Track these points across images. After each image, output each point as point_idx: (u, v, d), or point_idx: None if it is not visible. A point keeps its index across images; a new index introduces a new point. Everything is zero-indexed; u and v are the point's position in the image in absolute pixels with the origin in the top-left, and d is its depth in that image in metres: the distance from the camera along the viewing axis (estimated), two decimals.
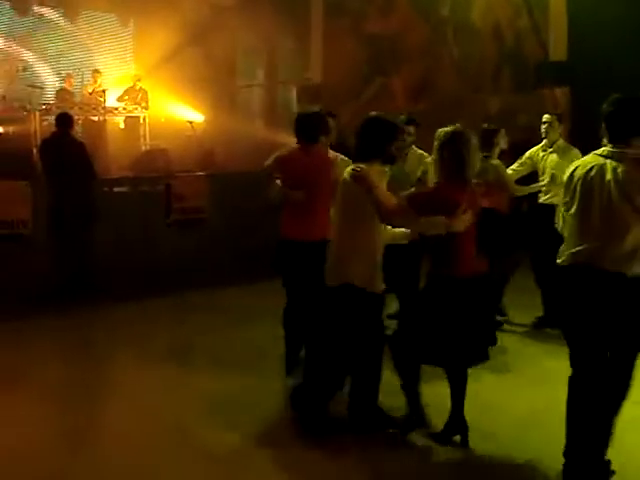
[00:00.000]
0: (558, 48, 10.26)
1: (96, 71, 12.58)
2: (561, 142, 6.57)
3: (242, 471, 4.11)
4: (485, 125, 6.46)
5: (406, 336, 4.24)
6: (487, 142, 6.02)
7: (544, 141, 6.60)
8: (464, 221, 4.03)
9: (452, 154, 4.09)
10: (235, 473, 4.10)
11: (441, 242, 4.08)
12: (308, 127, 5.14)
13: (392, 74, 12.38)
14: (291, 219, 5.16)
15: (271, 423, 4.67)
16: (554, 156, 6.49)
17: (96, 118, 11.71)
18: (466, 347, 4.10)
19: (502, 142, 6.36)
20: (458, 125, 4.21)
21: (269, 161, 5.27)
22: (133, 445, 4.42)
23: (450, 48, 11.91)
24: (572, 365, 3.71)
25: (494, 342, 4.24)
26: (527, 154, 6.69)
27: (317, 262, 4.90)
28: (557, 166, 6.31)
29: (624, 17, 8.71)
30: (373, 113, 4.35)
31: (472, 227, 4.13)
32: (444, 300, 4.08)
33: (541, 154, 6.59)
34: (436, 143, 4.19)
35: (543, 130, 6.58)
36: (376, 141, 4.23)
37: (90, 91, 12.23)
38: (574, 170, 3.73)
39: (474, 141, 4.16)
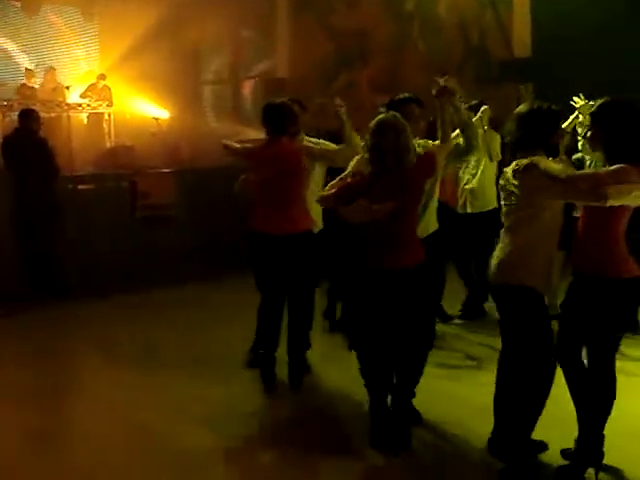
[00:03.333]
0: (522, 45, 10.36)
1: (51, 68, 12.42)
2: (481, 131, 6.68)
3: (212, 471, 4.09)
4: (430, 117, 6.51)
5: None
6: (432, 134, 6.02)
7: None
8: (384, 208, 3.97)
9: (376, 142, 4.06)
10: (205, 473, 4.08)
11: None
12: (275, 118, 5.10)
13: (358, 68, 12.39)
14: (262, 212, 5.12)
15: (241, 423, 4.65)
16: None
17: (58, 114, 11.57)
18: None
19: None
20: (389, 114, 4.19)
21: (232, 144, 5.24)
22: (101, 446, 4.38)
23: (416, 43, 11.96)
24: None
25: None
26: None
27: (290, 256, 5.00)
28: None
29: (587, 15, 8.81)
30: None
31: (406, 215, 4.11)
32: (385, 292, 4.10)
33: None
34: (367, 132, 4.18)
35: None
36: (540, 131, 3.86)
37: (53, 87, 12.07)
38: None
39: (404, 129, 4.09)
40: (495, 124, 6.47)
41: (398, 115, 4.19)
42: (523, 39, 10.31)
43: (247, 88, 13.93)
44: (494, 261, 3.86)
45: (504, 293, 3.85)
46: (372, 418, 4.26)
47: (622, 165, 3.57)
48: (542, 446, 4.01)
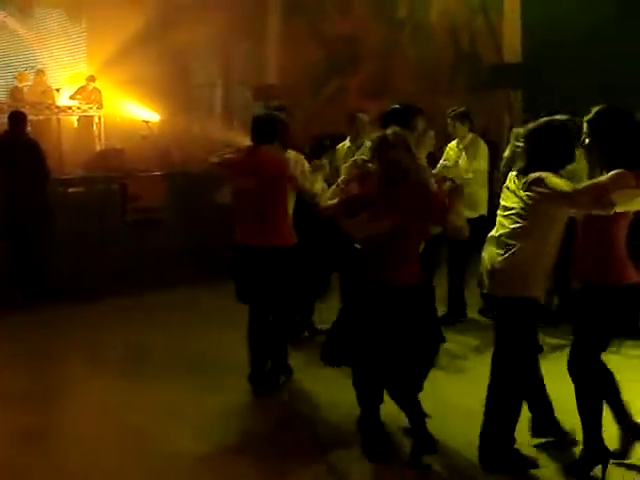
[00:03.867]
0: (512, 51, 10.43)
1: (40, 71, 12.39)
2: (470, 137, 6.70)
3: (202, 476, 4.08)
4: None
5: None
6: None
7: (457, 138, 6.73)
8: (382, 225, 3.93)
9: (384, 158, 4.02)
10: (195, 477, 4.08)
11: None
12: (260, 128, 5.05)
13: (349, 74, 12.43)
14: (242, 223, 5.07)
15: (232, 428, 4.65)
16: (463, 153, 6.60)
17: (48, 117, 11.54)
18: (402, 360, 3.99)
19: (428, 144, 6.28)
20: (395, 128, 4.12)
21: (215, 159, 5.19)
22: (93, 448, 4.37)
23: (406, 49, 12.00)
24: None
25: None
26: (446, 150, 6.74)
27: (271, 269, 4.90)
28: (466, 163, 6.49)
29: (578, 20, 8.87)
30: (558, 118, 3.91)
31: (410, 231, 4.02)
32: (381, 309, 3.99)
33: (456, 150, 6.68)
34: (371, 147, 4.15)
35: (449, 130, 6.71)
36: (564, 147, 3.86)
37: (43, 90, 12.04)
38: None
39: (410, 145, 4.07)
40: (483, 132, 6.53)
41: (400, 130, 4.11)
42: (513, 45, 10.38)
43: (239, 93, 13.95)
44: (499, 272, 3.85)
45: (512, 305, 3.87)
46: (365, 431, 4.23)
47: (620, 170, 3.63)
48: (532, 463, 4.03)
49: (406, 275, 3.98)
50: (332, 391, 4.96)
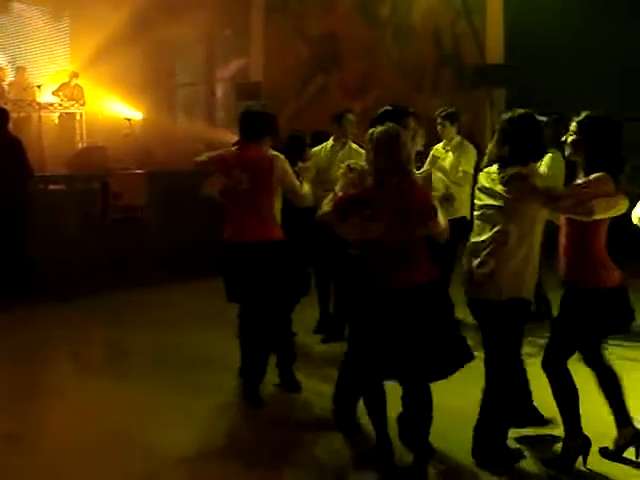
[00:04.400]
0: (495, 51, 10.47)
1: (21, 68, 12.29)
2: (458, 139, 6.68)
3: (186, 471, 4.06)
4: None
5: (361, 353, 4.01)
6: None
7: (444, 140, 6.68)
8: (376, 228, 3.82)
9: (383, 155, 3.88)
10: (179, 474, 4.06)
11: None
12: (250, 124, 5.01)
13: (333, 73, 12.42)
14: (230, 220, 5.05)
15: (215, 427, 4.63)
16: (450, 154, 6.59)
17: (29, 114, 11.45)
18: (423, 359, 3.83)
19: (419, 143, 6.25)
20: (390, 125, 4.01)
21: (204, 157, 5.17)
22: (73, 448, 4.34)
23: (390, 49, 12.02)
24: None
25: (467, 357, 3.94)
26: (432, 152, 6.68)
27: (258, 264, 4.87)
28: (454, 164, 6.47)
29: (560, 21, 8.93)
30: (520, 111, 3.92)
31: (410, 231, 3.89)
32: (394, 311, 3.82)
33: (442, 152, 6.66)
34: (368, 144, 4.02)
35: (438, 130, 6.66)
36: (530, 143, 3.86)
37: (24, 87, 11.94)
38: None
39: (407, 141, 3.97)
40: (469, 133, 6.51)
41: (398, 127, 4.01)
42: (496, 45, 10.43)
43: (222, 91, 13.92)
44: (485, 276, 3.84)
45: (507, 307, 3.86)
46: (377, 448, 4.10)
47: (601, 174, 3.71)
48: (519, 455, 4.09)
49: (408, 275, 3.84)
50: (319, 387, 4.98)
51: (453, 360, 3.88)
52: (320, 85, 12.56)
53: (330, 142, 6.62)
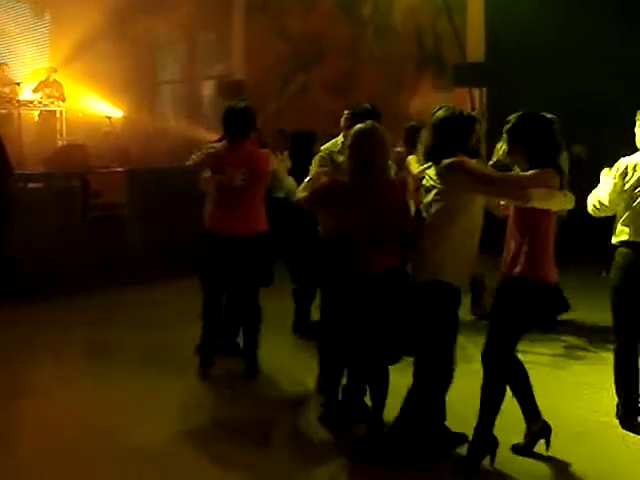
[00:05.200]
0: (476, 50, 10.50)
1: (2, 64, 12.20)
2: None
3: (175, 470, 4.06)
4: (409, 123, 6.53)
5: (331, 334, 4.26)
6: (411, 140, 6.06)
7: None
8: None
9: (362, 152, 4.03)
10: (167, 472, 4.06)
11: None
12: (238, 121, 5.12)
13: (314, 71, 12.43)
14: (220, 213, 5.15)
15: (200, 422, 4.65)
16: None
17: (9, 111, 11.37)
18: (381, 343, 4.05)
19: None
20: (369, 122, 4.18)
21: (197, 158, 5.26)
22: (57, 449, 4.32)
23: (371, 47, 12.03)
24: None
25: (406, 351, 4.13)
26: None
27: (246, 257, 5.06)
28: None
29: (540, 20, 8.98)
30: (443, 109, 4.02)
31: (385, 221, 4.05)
32: (356, 297, 4.04)
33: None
34: (348, 141, 4.17)
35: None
36: (457, 137, 3.97)
37: (4, 84, 11.84)
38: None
39: (386, 138, 4.12)
40: None
41: (377, 125, 4.15)
42: (477, 44, 10.47)
43: (203, 89, 13.88)
44: (420, 258, 3.96)
45: (432, 289, 3.94)
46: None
47: (547, 169, 3.77)
48: (461, 438, 4.15)
49: (378, 263, 3.99)
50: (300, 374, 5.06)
51: (405, 346, 4.06)
52: (301, 84, 12.57)
53: (340, 138, 6.63)
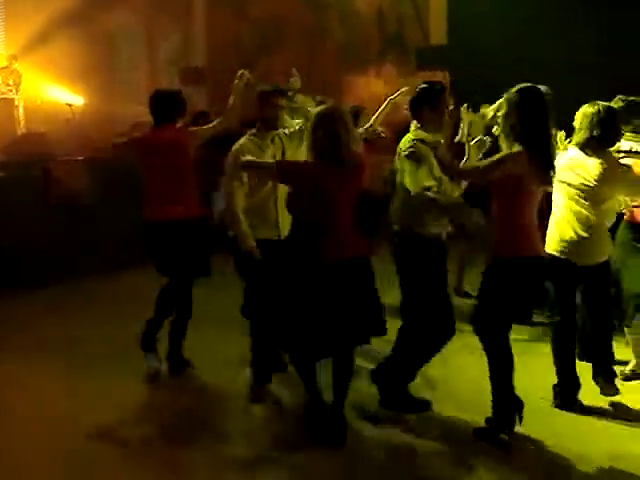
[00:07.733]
0: (438, 32, 10.55)
1: None
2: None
3: (164, 466, 4.05)
4: (350, 106, 6.53)
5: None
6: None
7: None
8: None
9: (327, 134, 4.02)
10: (124, 457, 4.06)
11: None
12: (162, 106, 5.11)
13: (277, 56, 12.36)
14: (154, 201, 5.12)
15: (181, 417, 4.63)
16: None
17: None
18: (341, 331, 4.05)
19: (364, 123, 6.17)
20: (331, 104, 4.27)
21: (119, 140, 5.24)
22: (17, 432, 4.34)
23: (333, 31, 12.00)
24: None
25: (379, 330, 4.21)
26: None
27: (186, 240, 5.04)
28: None
29: (501, 3, 9.04)
30: None
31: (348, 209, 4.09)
32: (312, 286, 4.04)
33: None
34: (309, 123, 4.15)
35: None
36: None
37: None
38: None
39: (349, 119, 4.13)
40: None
41: (339, 106, 4.22)
42: (439, 27, 10.51)
43: (164, 76, 13.73)
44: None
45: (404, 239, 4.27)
46: (311, 413, 4.31)
47: (499, 156, 3.89)
48: (425, 404, 4.42)
49: (355, 247, 4.07)
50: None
51: (372, 326, 4.14)
52: (264, 68, 12.49)
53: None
